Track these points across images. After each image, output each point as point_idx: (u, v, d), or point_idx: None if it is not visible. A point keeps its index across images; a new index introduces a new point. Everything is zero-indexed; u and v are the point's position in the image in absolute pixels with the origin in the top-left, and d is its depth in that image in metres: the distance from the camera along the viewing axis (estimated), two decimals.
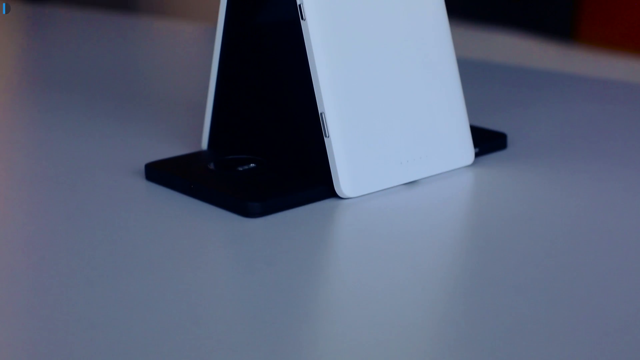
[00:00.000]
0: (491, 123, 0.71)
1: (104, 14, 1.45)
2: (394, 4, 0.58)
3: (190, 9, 2.55)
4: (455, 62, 0.62)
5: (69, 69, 1.00)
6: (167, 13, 2.57)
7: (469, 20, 1.86)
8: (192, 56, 1.13)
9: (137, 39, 1.26)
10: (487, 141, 0.65)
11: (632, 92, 0.88)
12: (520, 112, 0.77)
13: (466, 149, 0.61)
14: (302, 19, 0.55)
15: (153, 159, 0.62)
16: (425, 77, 0.60)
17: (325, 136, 0.55)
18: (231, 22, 0.61)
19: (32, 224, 0.56)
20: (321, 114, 0.55)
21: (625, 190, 0.59)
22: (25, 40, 1.32)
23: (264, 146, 0.63)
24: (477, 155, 0.63)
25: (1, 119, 0.81)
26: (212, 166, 0.60)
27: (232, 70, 0.63)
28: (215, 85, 0.63)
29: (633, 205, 0.57)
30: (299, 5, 0.55)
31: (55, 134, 0.74)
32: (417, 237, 0.53)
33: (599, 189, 0.60)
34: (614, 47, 1.69)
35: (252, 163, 0.60)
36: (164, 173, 0.60)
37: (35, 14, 1.53)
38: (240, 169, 0.59)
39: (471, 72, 0.85)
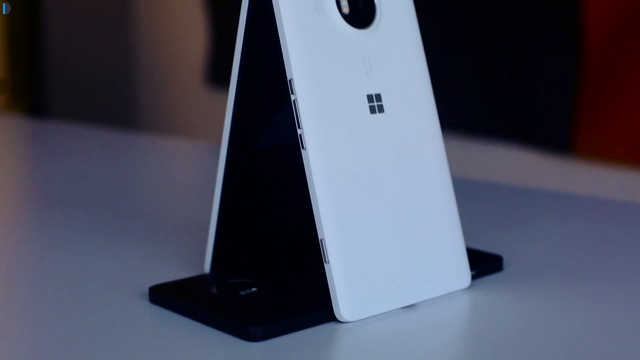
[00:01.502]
0: (487, 243, 0.72)
1: (106, 130, 1.47)
2: (391, 131, 0.60)
3: (191, 127, 2.59)
4: (451, 186, 0.63)
5: (71, 185, 1.02)
6: (169, 131, 2.61)
7: (465, 132, 1.89)
8: (193, 174, 1.15)
9: (138, 156, 1.28)
10: (483, 264, 0.66)
11: (629, 211, 0.89)
12: (516, 232, 0.79)
13: (462, 273, 0.63)
14: (303, 148, 0.57)
15: (157, 281, 0.63)
16: (422, 202, 0.61)
17: (325, 262, 0.57)
18: (235, 144, 0.63)
19: (35, 345, 0.56)
20: (321, 240, 0.57)
21: (624, 313, 0.60)
22: (28, 155, 1.34)
23: (265, 270, 0.64)
24: (473, 278, 0.64)
25: (3, 236, 0.83)
26: (214, 290, 0.61)
27: (235, 194, 0.64)
28: (218, 210, 0.64)
29: (631, 328, 0.58)
30: (300, 135, 0.57)
31: (57, 253, 0.75)
32: None
33: (596, 312, 0.60)
34: (611, 159, 1.70)
35: (254, 287, 0.61)
36: (167, 296, 0.61)
37: (37, 129, 1.55)
38: (242, 293, 0.61)
39: (467, 192, 0.86)
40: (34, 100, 2.72)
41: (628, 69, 1.68)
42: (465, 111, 1.90)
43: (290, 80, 0.57)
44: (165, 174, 1.13)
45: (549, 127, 1.80)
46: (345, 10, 0.60)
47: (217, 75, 2.49)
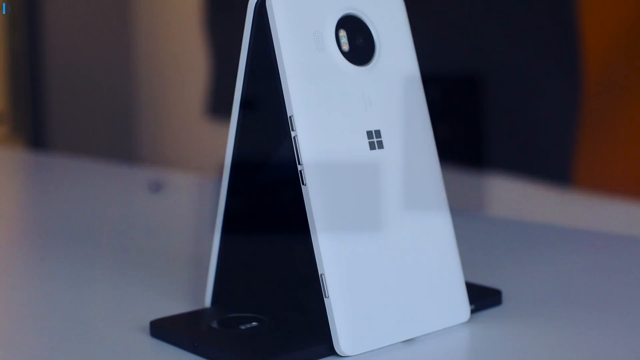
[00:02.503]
0: (486, 277, 0.72)
1: (107, 163, 1.48)
2: (390, 167, 0.61)
3: (192, 160, 2.59)
4: (450, 220, 0.64)
5: (71, 218, 1.02)
6: (170, 164, 2.61)
7: (465, 165, 1.89)
8: (194, 208, 1.15)
9: (139, 189, 1.28)
10: (482, 298, 0.67)
11: (629, 244, 0.89)
12: (515, 265, 0.79)
13: (462, 307, 0.63)
14: (303, 184, 0.57)
15: (158, 315, 0.63)
16: (421, 236, 0.62)
17: (325, 297, 0.57)
18: (235, 179, 0.63)
19: None
20: (321, 275, 0.57)
21: (624, 347, 0.60)
22: (28, 187, 1.34)
23: (266, 304, 0.65)
24: (472, 312, 0.64)
25: (2, 269, 0.83)
26: (215, 324, 0.62)
27: (235, 228, 0.65)
28: (218, 244, 0.65)
29: None
30: (300, 172, 0.57)
31: (57, 287, 0.75)
32: None
33: (596, 346, 0.60)
34: (611, 192, 1.70)
35: (254, 321, 0.62)
36: (168, 330, 0.61)
37: (37, 162, 1.56)
38: (243, 327, 0.61)
39: (466, 225, 0.86)
40: (34, 132, 2.73)
41: (628, 102, 1.69)
42: (465, 144, 1.91)
43: (290, 117, 0.57)
44: (166, 207, 1.14)
45: (549, 160, 1.80)
46: (345, 47, 0.60)
47: (218, 108, 2.50)
